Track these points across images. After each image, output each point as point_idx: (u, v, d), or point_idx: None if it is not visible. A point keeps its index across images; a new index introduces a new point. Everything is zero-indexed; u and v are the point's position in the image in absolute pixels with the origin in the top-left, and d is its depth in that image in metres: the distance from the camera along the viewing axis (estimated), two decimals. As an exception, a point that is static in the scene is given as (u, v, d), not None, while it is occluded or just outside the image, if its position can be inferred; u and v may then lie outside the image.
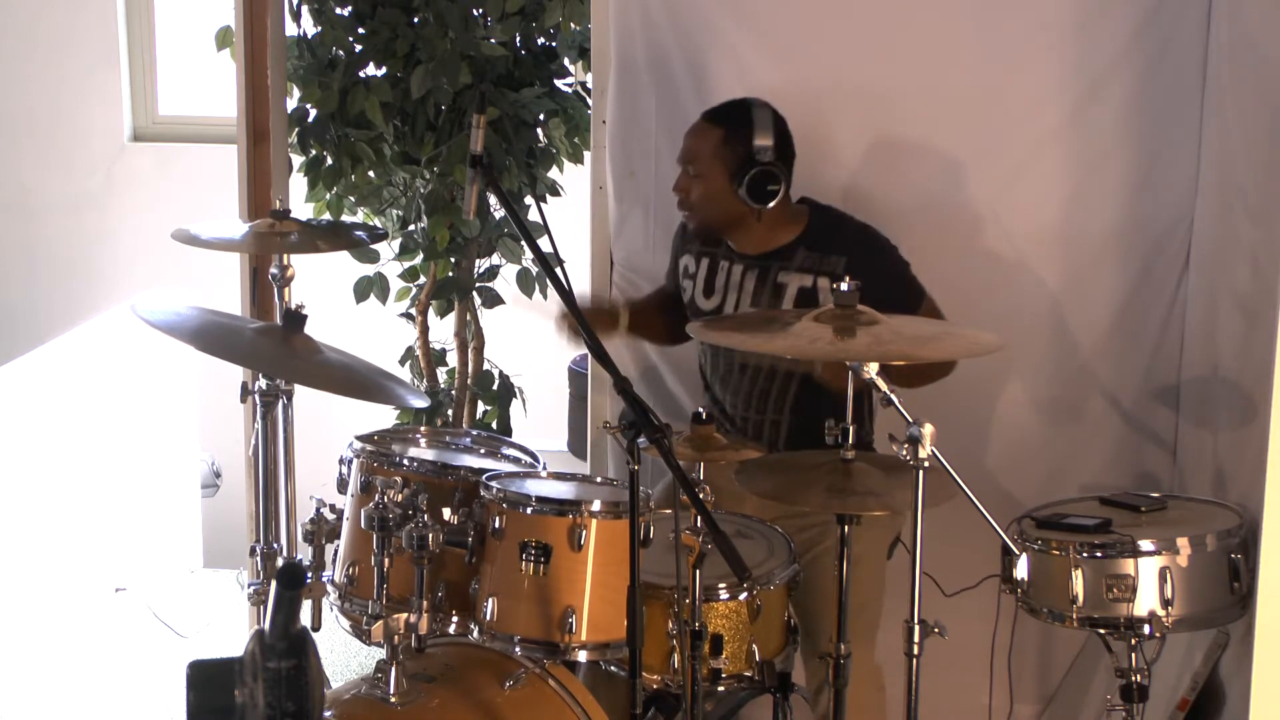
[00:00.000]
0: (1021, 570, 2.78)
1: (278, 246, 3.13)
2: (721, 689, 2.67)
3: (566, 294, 2.48)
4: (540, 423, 4.51)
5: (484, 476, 2.62)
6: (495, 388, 4.34)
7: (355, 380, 2.87)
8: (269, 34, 3.74)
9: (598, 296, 3.65)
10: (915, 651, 2.52)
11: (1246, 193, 3.16)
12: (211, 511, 5.10)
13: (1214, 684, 3.09)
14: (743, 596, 2.65)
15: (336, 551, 2.73)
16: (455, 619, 2.58)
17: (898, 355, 2.61)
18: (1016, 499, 3.39)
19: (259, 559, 3.16)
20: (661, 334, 3.49)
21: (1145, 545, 2.71)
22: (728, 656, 2.63)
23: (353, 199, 4.24)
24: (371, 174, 4.19)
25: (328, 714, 2.45)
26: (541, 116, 4.15)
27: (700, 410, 2.64)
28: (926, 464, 2.42)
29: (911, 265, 3.17)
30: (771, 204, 3.15)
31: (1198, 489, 3.32)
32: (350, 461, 2.74)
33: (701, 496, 2.43)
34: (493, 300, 4.30)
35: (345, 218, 4.23)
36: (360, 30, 4.10)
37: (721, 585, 2.63)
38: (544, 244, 2.74)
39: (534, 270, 4.28)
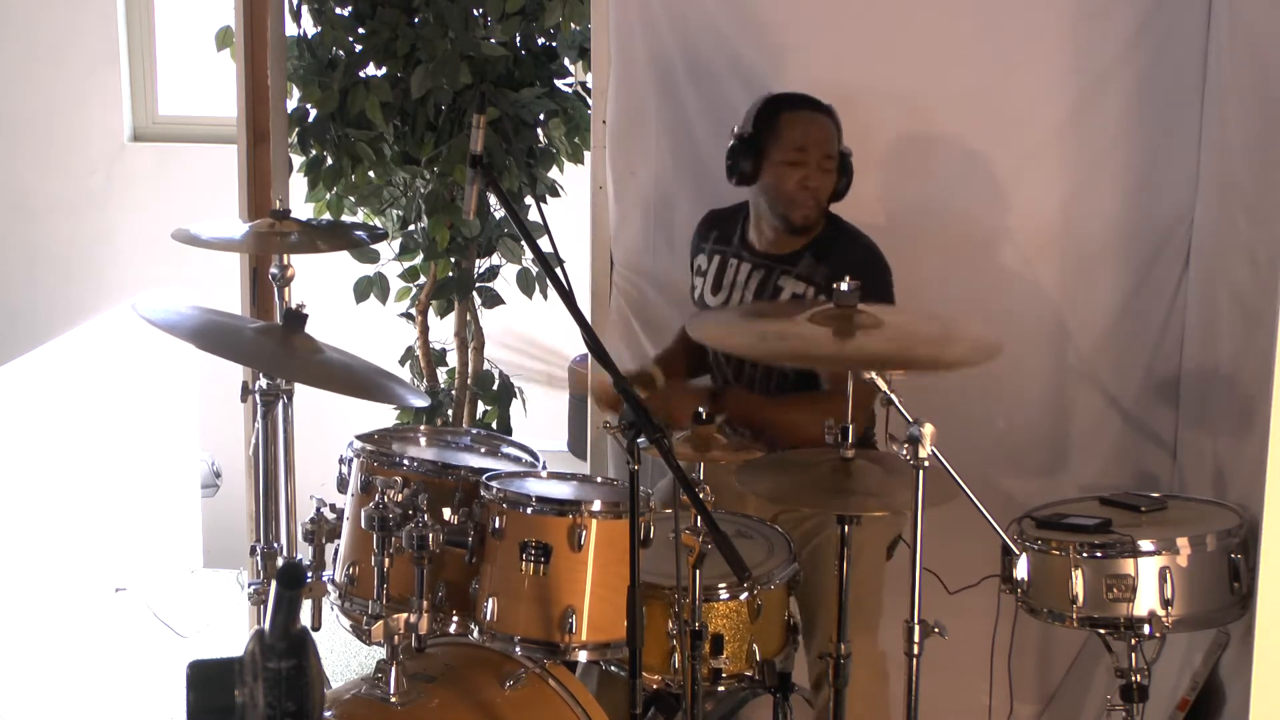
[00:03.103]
0: (1021, 570, 2.78)
1: (278, 246, 3.13)
2: (722, 689, 2.67)
3: (568, 295, 2.47)
4: (540, 423, 4.51)
5: (484, 476, 2.61)
6: (495, 388, 4.34)
7: (355, 380, 2.87)
8: (269, 34, 3.74)
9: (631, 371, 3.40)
10: (915, 651, 2.52)
11: (1246, 192, 3.16)
12: (211, 511, 5.09)
13: (1214, 684, 3.09)
14: (743, 596, 2.65)
15: (336, 551, 2.73)
16: (455, 619, 2.58)
17: (896, 363, 2.60)
18: (1016, 499, 3.39)
19: (259, 559, 3.16)
20: (685, 372, 3.39)
21: (1145, 545, 2.71)
22: (728, 656, 2.63)
23: (353, 199, 4.24)
24: (371, 174, 4.19)
25: (328, 714, 2.45)
26: (541, 116, 4.15)
27: (700, 410, 2.64)
28: (926, 464, 2.42)
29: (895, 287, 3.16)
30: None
31: (1198, 489, 3.32)
32: (350, 461, 2.74)
33: (701, 496, 2.43)
34: (493, 300, 4.30)
35: (345, 218, 4.23)
36: (360, 30, 4.10)
37: (722, 585, 2.63)
38: (544, 244, 2.74)
39: (534, 270, 4.28)
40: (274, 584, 1.65)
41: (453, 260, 4.26)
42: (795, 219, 3.18)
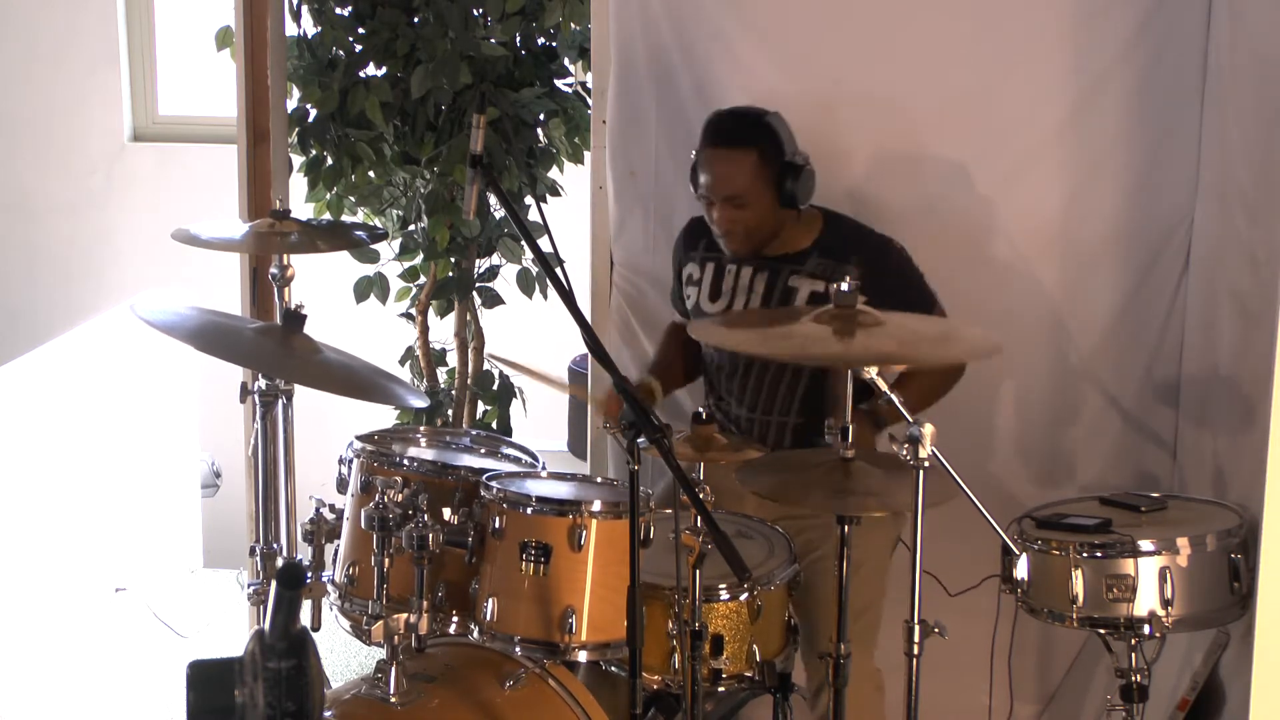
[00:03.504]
0: (1021, 570, 2.78)
1: (278, 246, 3.13)
2: (722, 689, 2.67)
3: (568, 295, 2.47)
4: (540, 423, 4.51)
5: (484, 476, 2.62)
6: (495, 388, 4.34)
7: (355, 380, 2.87)
8: (269, 34, 3.74)
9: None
10: (915, 651, 2.52)
11: (1246, 192, 3.16)
12: (211, 511, 5.10)
13: (1214, 684, 3.09)
14: (743, 597, 2.65)
15: (336, 551, 2.73)
16: (455, 619, 2.58)
17: (898, 359, 2.61)
18: (1016, 499, 3.39)
19: (259, 559, 3.16)
20: (683, 377, 3.42)
21: (1145, 545, 2.71)
22: (728, 656, 2.63)
23: (353, 199, 4.24)
24: (371, 174, 4.19)
25: (328, 714, 2.45)
26: (541, 116, 4.15)
27: (700, 410, 2.64)
28: (926, 464, 2.42)
29: (923, 272, 3.17)
30: (810, 201, 3.15)
31: (1198, 489, 3.32)
32: (350, 461, 2.74)
33: (701, 496, 2.43)
34: (493, 300, 4.30)
35: (345, 218, 4.23)
36: (360, 30, 4.10)
37: (722, 585, 2.62)
38: (544, 244, 2.74)
39: (534, 270, 4.28)
40: (274, 584, 1.65)
41: (453, 260, 4.26)
42: (728, 252, 3.20)
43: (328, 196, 4.23)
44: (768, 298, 3.19)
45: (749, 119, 3.15)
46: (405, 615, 2.46)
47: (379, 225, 4.25)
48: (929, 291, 3.15)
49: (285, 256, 3.10)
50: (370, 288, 4.31)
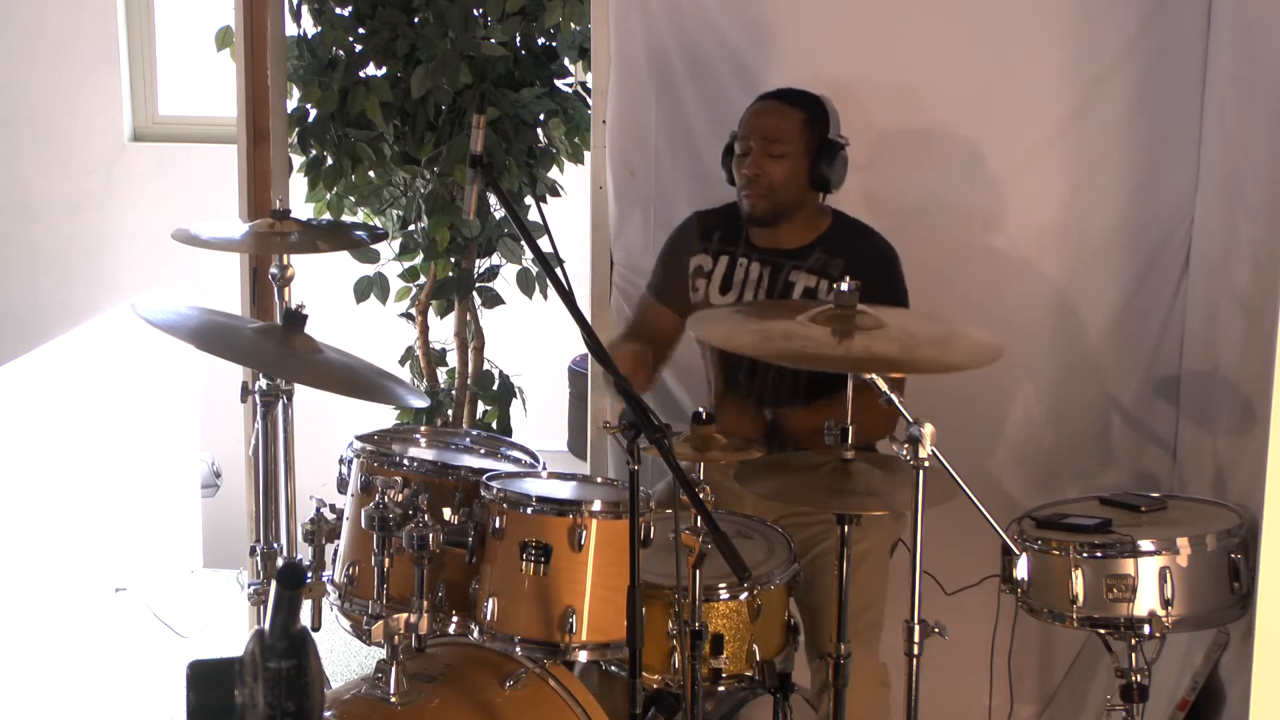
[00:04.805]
0: (1021, 570, 2.78)
1: (278, 246, 3.13)
2: (722, 689, 2.67)
3: (568, 295, 2.47)
4: (540, 423, 4.51)
5: (484, 476, 2.61)
6: (495, 388, 4.34)
7: (355, 380, 2.87)
8: (269, 34, 3.74)
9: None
10: (915, 651, 2.52)
11: (1247, 192, 3.16)
12: (211, 511, 5.10)
13: (1214, 684, 3.09)
14: (743, 596, 2.65)
15: (336, 551, 2.73)
16: (455, 619, 2.58)
17: (900, 366, 2.60)
18: (1016, 499, 3.39)
19: (259, 559, 3.16)
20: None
21: (1145, 545, 2.71)
22: (728, 656, 2.63)
23: (353, 199, 4.24)
24: (371, 174, 4.19)
25: (328, 714, 2.45)
26: (541, 116, 4.15)
27: (700, 410, 2.64)
28: (926, 464, 2.42)
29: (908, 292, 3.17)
30: (834, 190, 3.18)
31: (1198, 489, 3.32)
32: (350, 461, 2.74)
33: (701, 496, 2.43)
34: (493, 300, 4.30)
35: (345, 218, 4.23)
36: (360, 30, 4.10)
37: (722, 585, 2.62)
38: (544, 244, 2.74)
39: (534, 270, 4.28)
40: (274, 584, 1.65)
41: (453, 260, 4.26)
42: (745, 207, 3.20)
43: (328, 196, 4.23)
44: (770, 292, 3.21)
45: (800, 91, 3.21)
46: (405, 615, 2.46)
47: (379, 225, 4.25)
48: (904, 295, 3.14)
49: (285, 256, 3.10)
50: (370, 288, 4.31)
